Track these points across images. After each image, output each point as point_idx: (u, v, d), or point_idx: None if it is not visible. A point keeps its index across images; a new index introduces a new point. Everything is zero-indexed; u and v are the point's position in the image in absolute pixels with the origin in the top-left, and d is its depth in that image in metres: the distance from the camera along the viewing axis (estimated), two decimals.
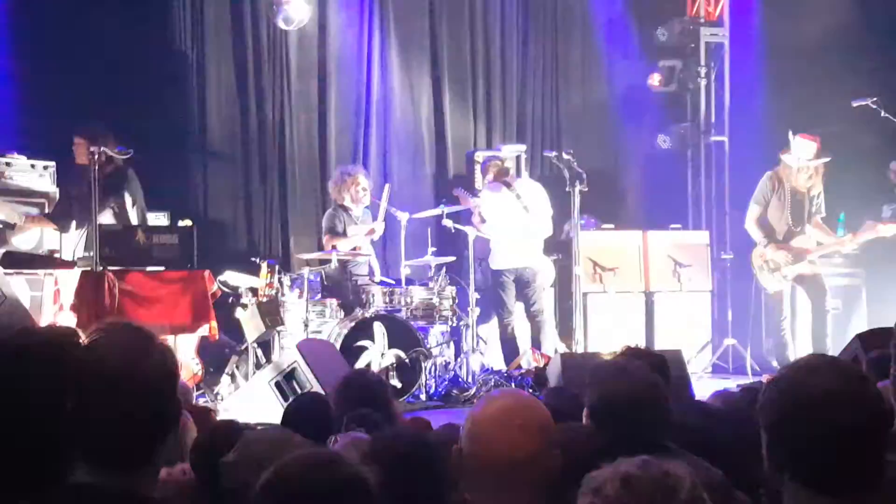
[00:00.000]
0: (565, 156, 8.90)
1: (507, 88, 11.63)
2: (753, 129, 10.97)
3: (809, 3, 10.41)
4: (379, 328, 8.30)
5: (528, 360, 8.89)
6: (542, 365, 8.37)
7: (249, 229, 10.42)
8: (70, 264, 7.30)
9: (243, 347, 8.11)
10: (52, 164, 8.30)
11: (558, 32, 11.90)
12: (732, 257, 10.87)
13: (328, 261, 8.87)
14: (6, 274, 6.76)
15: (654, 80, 11.39)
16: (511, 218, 9.19)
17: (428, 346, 8.55)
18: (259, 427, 3.90)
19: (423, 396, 8.37)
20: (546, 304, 9.49)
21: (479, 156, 10.49)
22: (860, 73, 9.99)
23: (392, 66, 11.05)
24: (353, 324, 8.32)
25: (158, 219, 8.80)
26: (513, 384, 8.37)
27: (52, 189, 8.24)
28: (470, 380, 8.63)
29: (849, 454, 2.19)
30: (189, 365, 7.57)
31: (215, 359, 8.19)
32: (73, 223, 7.70)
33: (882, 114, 8.95)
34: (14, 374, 2.20)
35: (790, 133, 9.08)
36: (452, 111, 11.30)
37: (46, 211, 8.04)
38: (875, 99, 9.02)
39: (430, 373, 8.49)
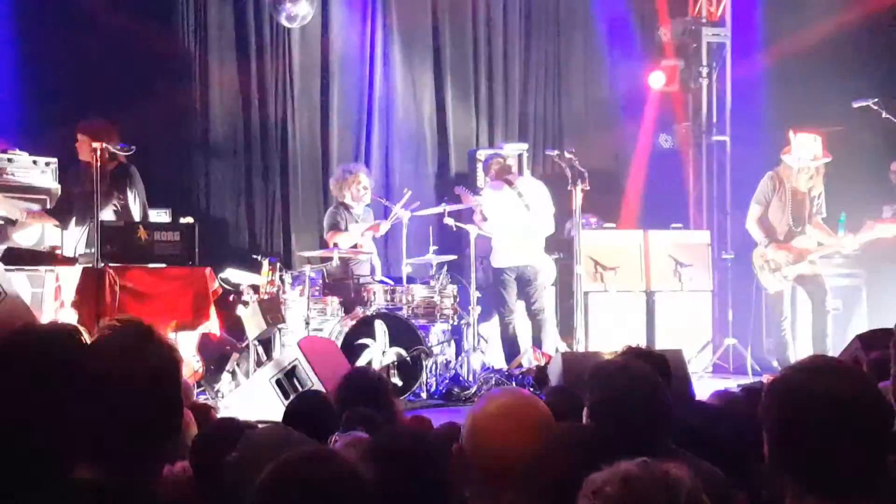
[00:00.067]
0: (567, 155, 8.89)
1: (510, 87, 11.64)
2: (754, 129, 10.98)
3: (810, 4, 10.41)
4: (380, 326, 8.30)
5: (528, 358, 8.90)
6: (542, 364, 8.37)
7: (251, 227, 10.42)
8: (71, 261, 7.30)
9: (244, 345, 8.10)
10: (54, 160, 8.30)
11: (560, 32, 11.91)
12: (733, 257, 10.87)
13: (329, 259, 8.87)
14: (7, 270, 6.76)
15: (656, 79, 11.40)
16: (512, 216, 9.20)
17: (429, 344, 8.55)
18: (260, 426, 3.90)
19: (423, 395, 8.38)
20: (547, 302, 9.50)
21: (481, 154, 10.50)
22: (861, 74, 9.99)
23: (395, 65, 11.05)
24: (354, 322, 8.32)
25: (160, 216, 8.80)
26: (513, 383, 8.38)
27: (54, 186, 8.24)
28: (471, 378, 8.64)
29: (850, 455, 2.20)
30: (190, 362, 7.57)
31: (216, 356, 8.18)
32: (74, 220, 7.69)
33: (883, 114, 8.95)
34: (15, 372, 2.20)
35: (791, 133, 9.09)
36: (454, 109, 11.30)
37: (48, 208, 8.03)
38: (876, 100, 9.03)
39: (430, 371, 8.49)
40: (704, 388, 7.29)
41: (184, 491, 3.22)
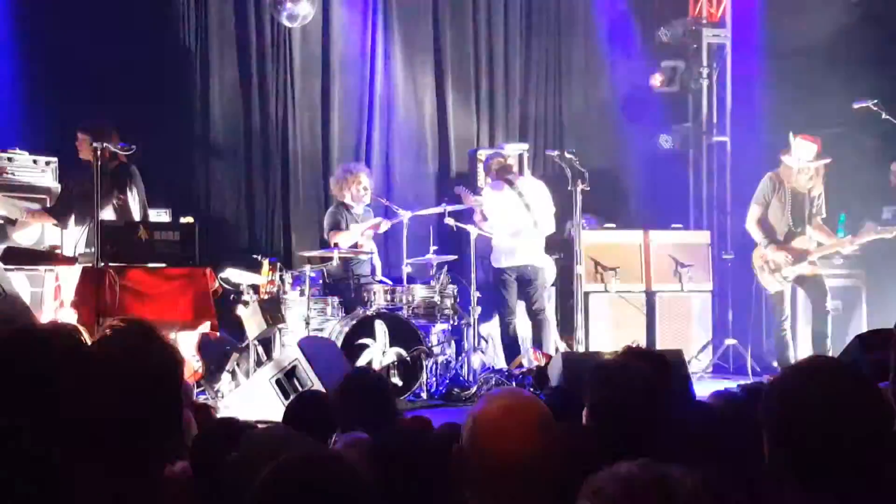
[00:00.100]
0: (567, 155, 8.90)
1: (510, 87, 11.64)
2: (755, 130, 10.98)
3: (811, 5, 10.41)
4: (380, 326, 8.30)
5: (529, 359, 8.90)
6: (543, 364, 8.37)
7: (251, 226, 10.42)
8: (71, 260, 7.30)
9: (244, 345, 8.11)
10: (54, 159, 8.30)
11: (561, 32, 11.91)
12: (733, 257, 10.87)
13: (330, 258, 8.87)
14: (7, 270, 6.76)
15: (656, 80, 11.39)
16: (513, 216, 9.20)
17: (429, 344, 8.56)
18: (261, 426, 3.90)
19: (423, 395, 8.38)
20: (547, 302, 9.50)
21: (482, 154, 10.50)
22: (861, 75, 9.99)
23: (395, 64, 11.06)
24: (354, 322, 8.32)
25: (160, 215, 8.80)
26: (514, 383, 8.38)
27: (54, 185, 8.24)
28: (471, 378, 8.64)
29: (849, 456, 2.20)
30: (190, 362, 7.56)
31: (216, 356, 8.18)
32: (73, 219, 7.68)
33: (883, 115, 8.96)
34: (14, 371, 2.20)
35: (791, 134, 9.09)
36: (455, 109, 11.30)
37: (48, 207, 8.03)
38: (876, 101, 9.03)
39: (431, 371, 8.49)
40: (704, 388, 7.30)
41: (184, 491, 3.22)
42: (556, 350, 9.02)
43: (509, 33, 11.62)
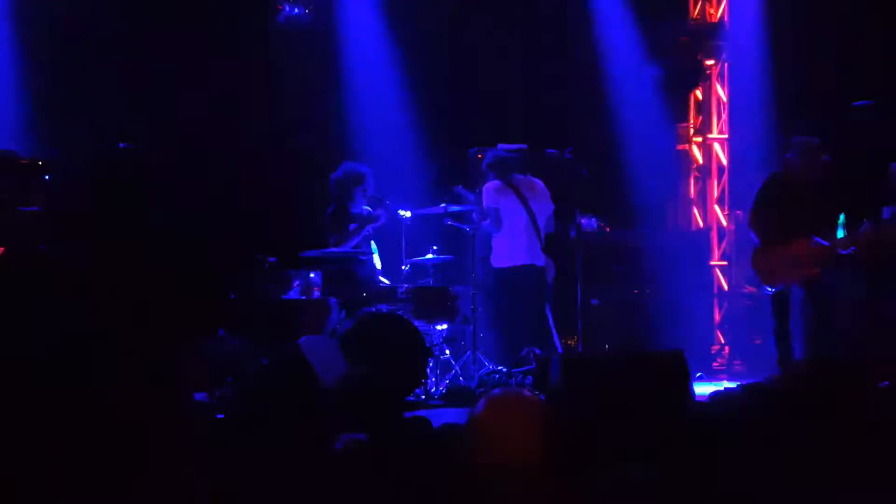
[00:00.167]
0: (567, 155, 8.91)
1: (510, 86, 11.64)
2: (754, 130, 10.98)
3: (810, 5, 10.42)
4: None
5: (528, 359, 8.90)
6: (542, 364, 8.37)
7: (251, 226, 10.41)
8: None
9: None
10: None
11: (561, 31, 11.91)
12: (733, 258, 10.88)
13: (330, 258, 8.87)
14: None
15: (656, 80, 11.40)
16: (513, 216, 9.20)
17: (429, 344, 8.56)
18: None
19: (423, 395, 8.38)
20: (547, 302, 9.50)
21: (481, 154, 10.49)
22: (861, 75, 10.00)
23: (396, 63, 11.06)
24: (354, 322, 8.32)
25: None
26: (513, 383, 8.38)
27: None
28: (471, 379, 8.64)
29: None
30: None
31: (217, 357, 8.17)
32: None
33: (883, 115, 8.96)
34: None
35: (790, 135, 9.09)
36: (455, 108, 11.30)
37: None
38: (876, 101, 9.04)
39: (431, 371, 8.50)
40: (704, 388, 7.31)
41: None
42: (557, 350, 9.02)
43: (509, 32, 11.62)
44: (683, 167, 11.71)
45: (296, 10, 10.07)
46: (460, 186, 9.85)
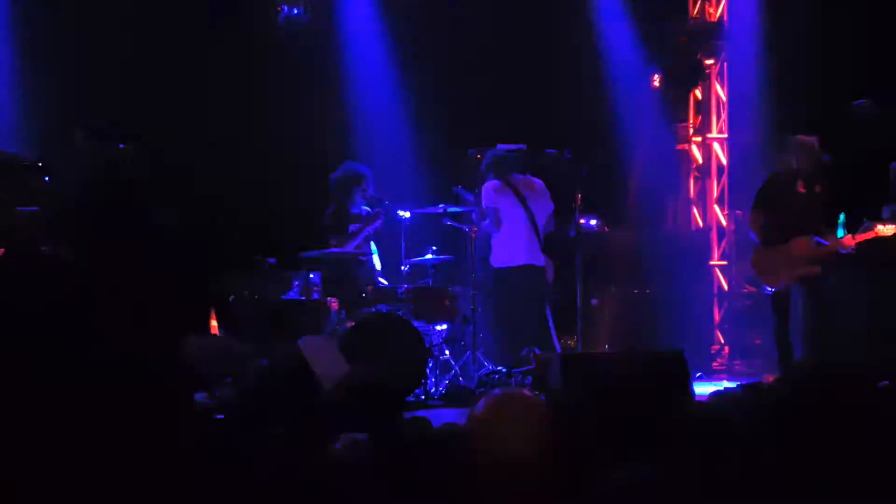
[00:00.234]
0: (567, 155, 8.91)
1: (510, 86, 11.63)
2: (754, 130, 10.98)
3: (810, 4, 10.42)
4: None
5: (528, 359, 8.89)
6: (542, 364, 8.37)
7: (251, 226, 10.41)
8: None
9: None
10: None
11: (560, 31, 11.91)
12: (733, 258, 10.88)
13: (329, 259, 8.87)
14: None
15: (655, 79, 11.41)
16: (512, 216, 9.20)
17: (429, 344, 8.56)
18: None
19: (423, 395, 8.38)
20: (547, 302, 9.50)
21: (481, 154, 10.49)
22: (860, 74, 10.00)
23: (396, 63, 11.07)
24: (354, 322, 8.33)
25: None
26: (513, 383, 8.38)
27: None
28: (471, 378, 8.64)
29: None
30: None
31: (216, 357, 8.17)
32: None
33: (883, 114, 8.96)
34: None
35: (790, 135, 9.09)
36: (454, 108, 11.30)
37: None
38: (875, 100, 9.04)
39: (430, 371, 8.50)
40: (704, 388, 7.31)
41: None
42: (556, 350, 9.02)
43: (509, 32, 11.62)
44: (683, 167, 11.71)
45: (295, 11, 10.06)
46: (459, 187, 9.84)
